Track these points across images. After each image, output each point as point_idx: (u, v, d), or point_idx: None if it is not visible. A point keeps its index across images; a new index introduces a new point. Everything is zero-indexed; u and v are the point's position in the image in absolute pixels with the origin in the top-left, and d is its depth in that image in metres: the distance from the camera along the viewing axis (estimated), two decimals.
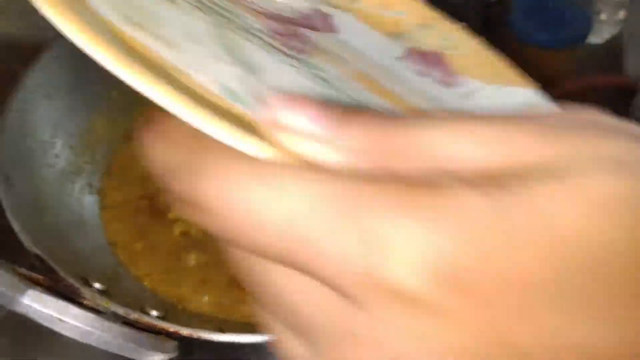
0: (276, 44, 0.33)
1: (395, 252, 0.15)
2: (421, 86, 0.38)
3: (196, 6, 0.29)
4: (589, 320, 0.16)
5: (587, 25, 0.78)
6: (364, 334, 0.16)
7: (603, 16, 0.87)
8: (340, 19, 0.41)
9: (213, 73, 0.22)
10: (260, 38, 0.32)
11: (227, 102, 0.21)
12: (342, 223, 0.16)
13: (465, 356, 0.16)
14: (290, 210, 0.16)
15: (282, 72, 0.30)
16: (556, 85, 0.76)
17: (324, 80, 0.31)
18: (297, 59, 0.32)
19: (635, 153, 0.16)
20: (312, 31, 0.36)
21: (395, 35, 0.39)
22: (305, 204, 0.16)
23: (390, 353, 0.16)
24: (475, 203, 0.15)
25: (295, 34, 0.35)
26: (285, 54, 0.32)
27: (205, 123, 0.18)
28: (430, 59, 0.37)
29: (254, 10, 0.35)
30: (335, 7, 0.40)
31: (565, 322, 0.16)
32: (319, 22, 0.38)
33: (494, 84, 0.37)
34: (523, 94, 0.37)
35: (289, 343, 0.19)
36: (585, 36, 0.79)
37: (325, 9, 0.39)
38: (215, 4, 0.33)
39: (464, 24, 0.40)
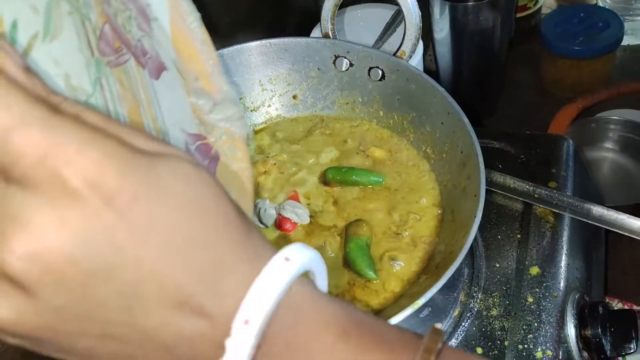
0: (94, 41, 0.37)
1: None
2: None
3: None
4: None
5: (619, 30, 0.79)
6: None
7: None
8: (170, 75, 0.44)
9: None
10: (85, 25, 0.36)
11: None
12: None
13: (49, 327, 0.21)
14: None
15: (70, 49, 0.34)
16: (594, 91, 0.77)
17: (102, 87, 0.35)
18: (99, 61, 0.36)
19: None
20: (137, 63, 0.40)
21: (199, 120, 0.43)
22: None
23: None
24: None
25: (116, 51, 0.39)
26: (92, 49, 0.36)
27: None
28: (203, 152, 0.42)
29: (105, 12, 0.39)
30: (174, 65, 0.43)
31: None
32: (152, 66, 0.42)
33: None
34: None
35: None
36: (618, 42, 0.80)
37: (167, 63, 0.43)
38: None
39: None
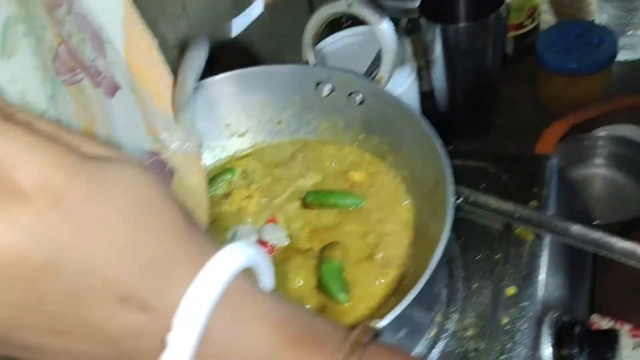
0: (49, 61, 0.39)
1: None
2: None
3: None
4: None
5: (613, 47, 0.79)
6: None
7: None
8: (125, 94, 0.46)
9: None
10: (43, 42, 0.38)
11: None
12: None
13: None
14: None
15: (26, 67, 0.35)
16: (585, 108, 0.77)
17: (57, 104, 0.37)
18: (55, 80, 0.38)
19: None
20: (91, 82, 0.42)
21: (153, 137, 0.44)
22: None
23: None
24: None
25: (71, 71, 0.41)
26: (47, 68, 0.38)
27: None
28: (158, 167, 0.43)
29: (60, 34, 0.41)
30: (128, 85, 0.45)
31: None
32: (106, 85, 0.43)
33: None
34: None
35: None
36: (612, 57, 0.79)
37: (122, 83, 0.44)
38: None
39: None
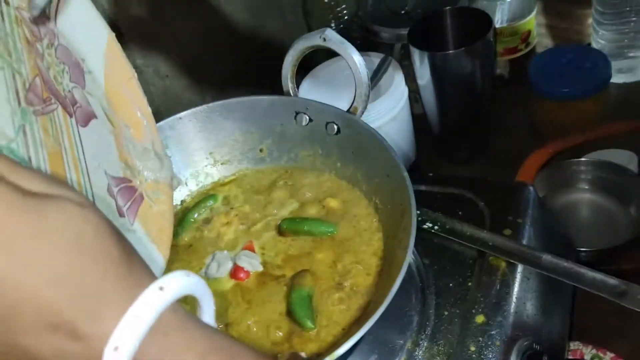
0: (22, 93, 0.41)
1: None
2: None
3: None
4: None
5: (606, 71, 0.79)
6: None
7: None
8: (99, 123, 0.48)
9: None
10: (13, 73, 0.40)
11: None
12: None
13: None
14: None
15: None
16: (568, 135, 0.77)
17: (25, 133, 0.39)
18: (25, 110, 0.40)
19: None
20: (64, 112, 0.44)
21: (125, 165, 0.46)
22: None
23: None
24: None
25: (44, 101, 0.43)
26: (19, 100, 0.40)
27: None
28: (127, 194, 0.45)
29: (38, 66, 0.43)
30: (104, 114, 0.47)
31: None
32: (80, 114, 0.46)
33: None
34: None
35: None
36: (606, 82, 0.80)
37: (98, 111, 0.46)
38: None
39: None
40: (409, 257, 0.46)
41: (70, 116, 0.46)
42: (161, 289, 0.28)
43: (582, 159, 0.70)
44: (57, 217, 0.27)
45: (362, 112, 0.57)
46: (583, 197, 0.71)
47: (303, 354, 0.31)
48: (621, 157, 0.70)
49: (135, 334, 0.26)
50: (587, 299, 0.66)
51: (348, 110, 0.58)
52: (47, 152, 0.43)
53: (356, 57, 0.54)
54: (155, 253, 0.49)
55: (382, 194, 0.55)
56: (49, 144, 0.43)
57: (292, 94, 0.61)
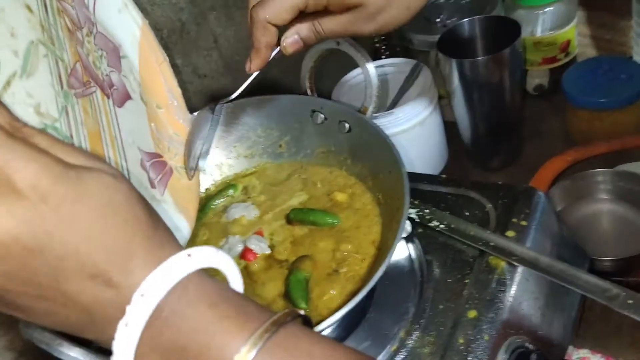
0: (64, 77, 0.45)
1: None
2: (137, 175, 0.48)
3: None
4: None
5: None
6: None
7: None
8: (134, 104, 0.51)
9: None
10: (57, 61, 0.45)
11: None
12: None
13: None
14: None
15: (42, 84, 0.41)
16: (594, 144, 0.76)
17: (67, 114, 0.43)
18: (67, 93, 0.44)
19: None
20: (102, 94, 0.48)
21: (156, 142, 0.49)
22: None
23: None
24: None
25: (84, 85, 0.47)
26: (62, 83, 0.44)
27: None
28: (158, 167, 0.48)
29: (78, 53, 0.46)
30: (139, 95, 0.51)
31: None
32: (116, 96, 0.49)
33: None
34: None
35: None
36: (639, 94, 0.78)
37: (133, 93, 0.50)
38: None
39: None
40: (392, 252, 0.48)
41: (108, 98, 0.51)
42: (189, 255, 0.33)
43: (603, 170, 0.70)
44: (94, 185, 0.32)
45: (372, 112, 0.60)
46: (603, 207, 0.70)
47: (302, 311, 0.35)
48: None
49: (160, 287, 0.31)
50: (594, 304, 0.66)
51: (359, 110, 0.61)
52: (87, 130, 0.49)
53: (368, 62, 0.58)
54: (182, 222, 0.54)
55: (384, 189, 0.58)
56: (89, 123, 0.49)
57: (310, 94, 0.65)
